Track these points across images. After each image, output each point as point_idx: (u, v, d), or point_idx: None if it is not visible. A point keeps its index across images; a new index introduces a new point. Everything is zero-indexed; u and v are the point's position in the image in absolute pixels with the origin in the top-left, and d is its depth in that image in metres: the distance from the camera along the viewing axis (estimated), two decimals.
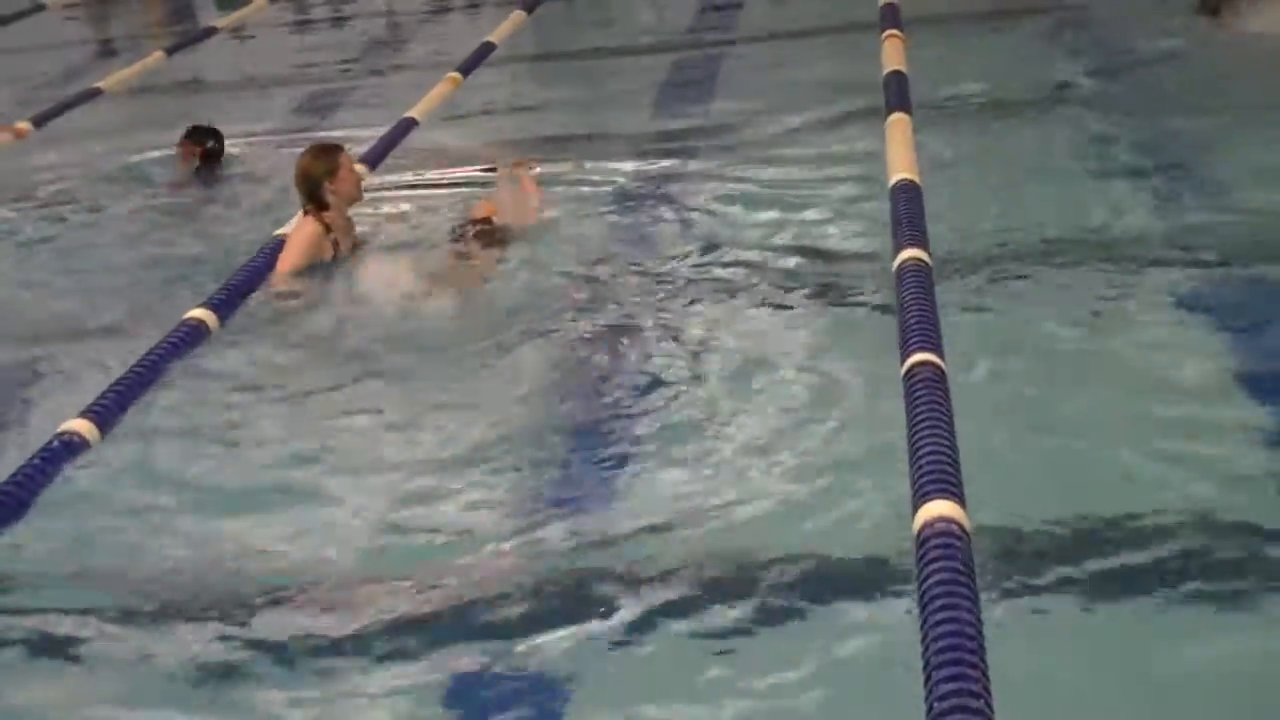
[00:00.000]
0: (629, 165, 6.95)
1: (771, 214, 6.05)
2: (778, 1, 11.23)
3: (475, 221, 5.99)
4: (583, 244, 5.87)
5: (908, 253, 5.04)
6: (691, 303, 5.24)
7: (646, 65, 9.13)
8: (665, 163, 6.94)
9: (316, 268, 5.86)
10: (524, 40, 10.40)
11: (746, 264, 5.54)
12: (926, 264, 4.97)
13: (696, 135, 7.36)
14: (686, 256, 5.67)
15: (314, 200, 5.91)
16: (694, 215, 6.14)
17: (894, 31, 8.46)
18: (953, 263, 5.20)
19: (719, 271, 5.49)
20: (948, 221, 5.54)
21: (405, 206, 6.68)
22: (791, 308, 5.10)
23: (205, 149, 7.66)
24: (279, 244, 6.07)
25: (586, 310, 5.23)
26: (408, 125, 7.98)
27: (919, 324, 4.44)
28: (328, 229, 5.92)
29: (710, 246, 5.76)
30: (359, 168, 6.49)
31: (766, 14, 10.67)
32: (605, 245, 5.85)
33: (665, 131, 7.51)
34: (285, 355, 5.23)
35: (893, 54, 7.97)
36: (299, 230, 5.96)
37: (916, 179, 5.82)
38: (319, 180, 5.88)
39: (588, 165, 6.99)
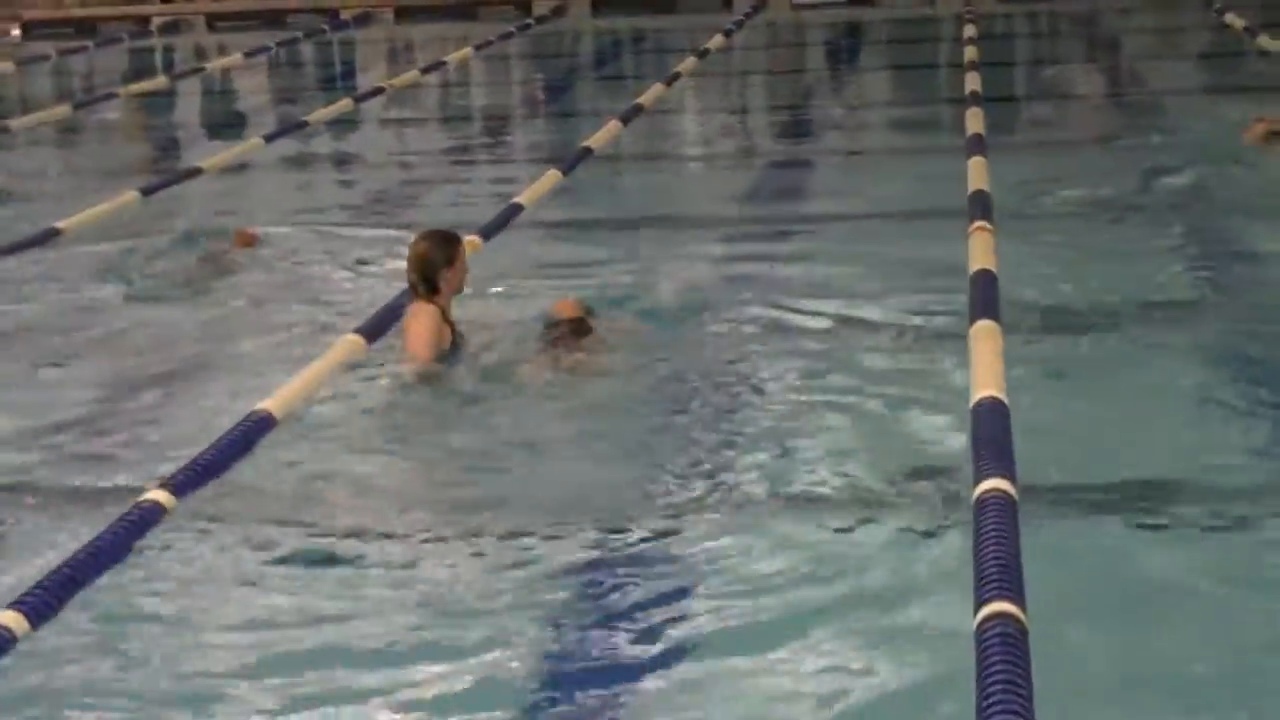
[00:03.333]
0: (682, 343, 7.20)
1: (838, 422, 6.21)
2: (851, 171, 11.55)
3: (564, 322, 6.96)
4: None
5: (990, 483, 5.11)
6: (740, 509, 5.41)
7: (700, 238, 9.37)
8: (720, 351, 7.12)
9: (446, 357, 6.82)
10: (557, 204, 10.62)
11: (807, 476, 5.68)
12: (1011, 498, 5.03)
13: (754, 325, 7.51)
14: (736, 459, 5.84)
15: (428, 284, 6.85)
16: (745, 410, 6.35)
17: (983, 224, 8.66)
18: (1039, 495, 5.28)
19: (770, 482, 5.64)
20: (1037, 448, 5.63)
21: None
22: (853, 530, 5.22)
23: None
24: (262, 420, 6.25)
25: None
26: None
27: (999, 569, 4.48)
28: (444, 315, 6.85)
29: (763, 443, 5.95)
30: None
31: (840, 189, 10.94)
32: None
33: (716, 315, 7.67)
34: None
35: (981, 250, 8.16)
36: (419, 317, 6.86)
37: (1003, 397, 5.94)
38: (438, 267, 6.85)
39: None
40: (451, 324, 6.95)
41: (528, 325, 7.18)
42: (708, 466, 5.80)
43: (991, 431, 5.61)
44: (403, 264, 7.05)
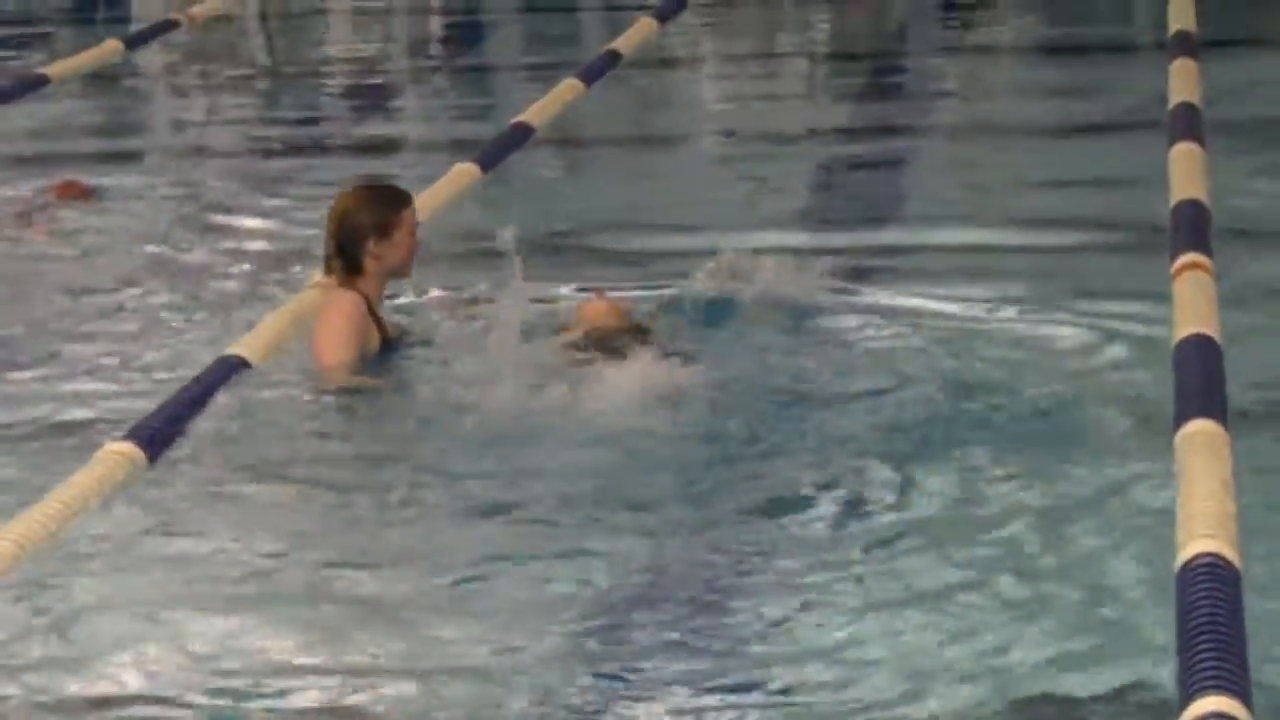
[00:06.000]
0: None
1: (931, 580, 6.24)
2: None
3: (596, 332, 7.82)
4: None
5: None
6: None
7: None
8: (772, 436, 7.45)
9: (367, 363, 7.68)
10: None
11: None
12: None
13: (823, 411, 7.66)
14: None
15: (346, 260, 7.72)
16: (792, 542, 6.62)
17: (1197, 257, 8.76)
18: None
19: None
20: None
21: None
22: None
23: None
24: None
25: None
26: None
27: None
28: (369, 306, 7.75)
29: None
30: None
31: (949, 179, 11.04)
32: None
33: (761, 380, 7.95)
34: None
35: (1195, 302, 8.23)
36: (331, 307, 7.76)
37: (1233, 557, 5.94)
38: (363, 236, 7.77)
39: None
40: (379, 320, 7.80)
41: (522, 326, 7.86)
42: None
43: (1213, 618, 5.60)
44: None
